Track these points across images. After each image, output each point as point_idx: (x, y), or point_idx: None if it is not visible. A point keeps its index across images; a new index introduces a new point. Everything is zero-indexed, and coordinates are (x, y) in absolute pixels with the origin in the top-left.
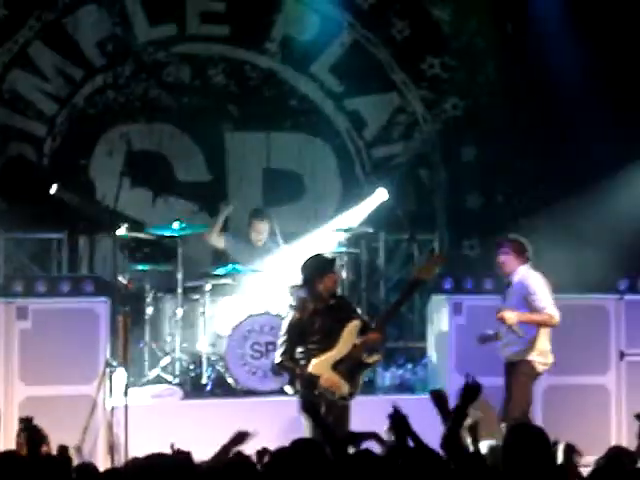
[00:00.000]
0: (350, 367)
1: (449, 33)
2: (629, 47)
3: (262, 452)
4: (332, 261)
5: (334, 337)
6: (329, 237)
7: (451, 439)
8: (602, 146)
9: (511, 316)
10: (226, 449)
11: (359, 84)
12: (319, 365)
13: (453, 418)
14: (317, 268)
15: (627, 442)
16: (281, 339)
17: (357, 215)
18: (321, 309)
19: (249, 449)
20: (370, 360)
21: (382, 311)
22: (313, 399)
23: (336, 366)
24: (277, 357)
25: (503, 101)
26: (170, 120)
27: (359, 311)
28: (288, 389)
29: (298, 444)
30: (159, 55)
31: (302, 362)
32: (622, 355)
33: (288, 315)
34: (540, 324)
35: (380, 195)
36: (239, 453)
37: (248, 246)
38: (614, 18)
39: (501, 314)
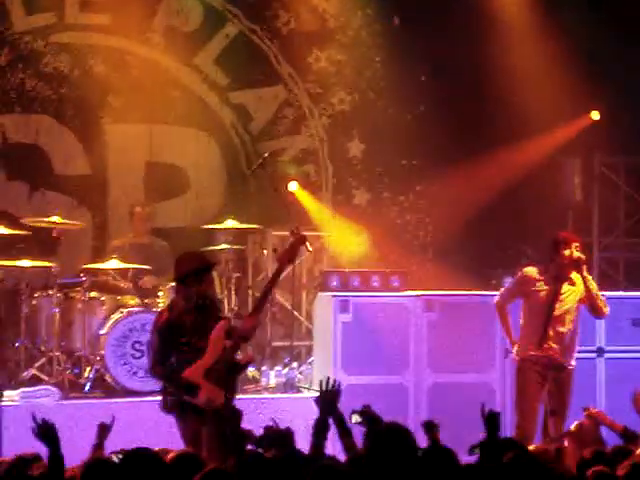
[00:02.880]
0: (224, 371)
1: (335, 26)
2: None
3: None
4: (211, 262)
5: (205, 337)
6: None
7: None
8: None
9: None
10: (98, 446)
11: (244, 77)
12: (192, 375)
13: (317, 424)
14: (195, 268)
15: None
16: (152, 343)
17: None
18: (190, 308)
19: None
20: (244, 361)
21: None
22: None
23: (209, 373)
24: (151, 365)
25: (390, 96)
26: (48, 111)
27: (228, 314)
28: (164, 407)
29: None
30: (37, 44)
31: (175, 367)
32: (507, 353)
33: (157, 318)
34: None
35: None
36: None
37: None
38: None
39: None
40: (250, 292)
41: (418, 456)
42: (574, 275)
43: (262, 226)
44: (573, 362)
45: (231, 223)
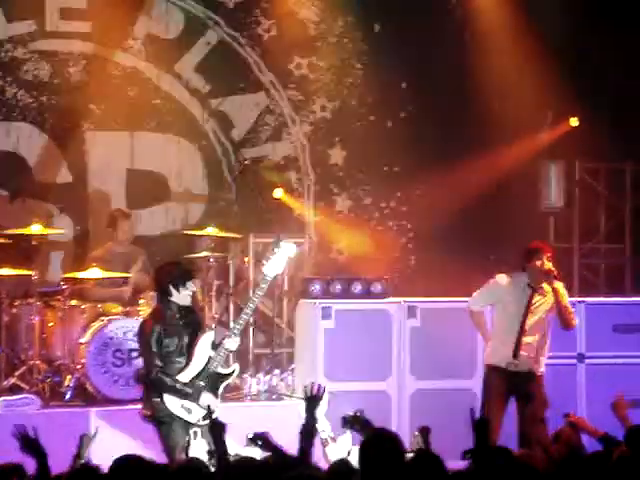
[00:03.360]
0: (208, 381)
1: (317, 33)
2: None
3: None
4: (191, 271)
5: (190, 346)
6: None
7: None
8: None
9: None
10: (78, 456)
11: (226, 84)
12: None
13: (303, 429)
14: (175, 277)
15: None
16: (140, 352)
17: None
18: (174, 317)
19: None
20: (228, 371)
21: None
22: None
23: (194, 382)
24: (150, 371)
25: (371, 102)
26: (28, 119)
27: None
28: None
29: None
30: (17, 52)
31: (164, 374)
32: None
33: (143, 326)
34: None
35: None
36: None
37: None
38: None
39: None
40: (231, 299)
41: (407, 463)
42: (545, 285)
43: (244, 233)
44: (542, 369)
45: (212, 230)
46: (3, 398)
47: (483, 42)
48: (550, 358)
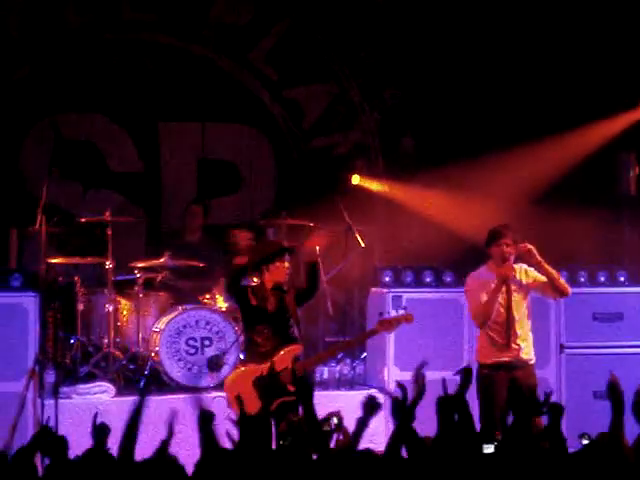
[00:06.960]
0: (270, 389)
1: (387, 20)
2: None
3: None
4: (281, 250)
5: (283, 325)
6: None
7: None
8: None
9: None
10: (166, 442)
11: (297, 73)
12: (243, 374)
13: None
14: (264, 255)
15: None
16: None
17: None
18: (271, 295)
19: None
20: (293, 390)
21: (328, 347)
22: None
23: (259, 380)
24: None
25: (440, 90)
26: (101, 110)
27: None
28: None
29: None
30: (90, 43)
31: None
32: (562, 348)
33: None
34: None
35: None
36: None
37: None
38: None
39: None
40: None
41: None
42: (517, 268)
43: (314, 222)
44: (533, 358)
45: (283, 218)
46: (78, 385)
47: (554, 26)
48: None
